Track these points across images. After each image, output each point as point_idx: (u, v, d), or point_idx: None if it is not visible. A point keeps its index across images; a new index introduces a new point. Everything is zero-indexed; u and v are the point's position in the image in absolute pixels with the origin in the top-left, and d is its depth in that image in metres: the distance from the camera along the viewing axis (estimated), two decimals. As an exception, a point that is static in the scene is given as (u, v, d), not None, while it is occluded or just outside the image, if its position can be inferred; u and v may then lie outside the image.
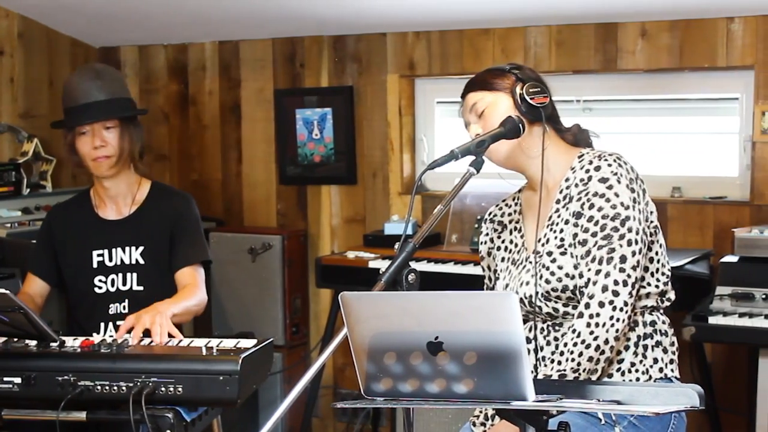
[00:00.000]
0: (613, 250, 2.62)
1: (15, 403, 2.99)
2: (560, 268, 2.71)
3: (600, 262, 2.63)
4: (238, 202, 5.60)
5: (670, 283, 2.83)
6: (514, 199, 3.00)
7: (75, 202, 3.74)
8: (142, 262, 3.58)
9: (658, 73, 4.52)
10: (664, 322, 2.81)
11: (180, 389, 2.85)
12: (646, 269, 2.74)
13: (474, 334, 1.93)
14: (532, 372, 2.72)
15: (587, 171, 2.73)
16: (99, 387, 2.89)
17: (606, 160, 2.72)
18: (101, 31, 5.59)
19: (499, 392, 1.94)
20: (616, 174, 2.69)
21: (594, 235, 2.65)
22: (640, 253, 2.64)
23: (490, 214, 3.04)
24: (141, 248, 3.58)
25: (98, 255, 3.58)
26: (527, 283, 2.78)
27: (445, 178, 4.93)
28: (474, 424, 2.85)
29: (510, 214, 2.98)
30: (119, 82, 3.62)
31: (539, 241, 2.79)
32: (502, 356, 1.91)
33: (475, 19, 4.73)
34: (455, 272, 4.35)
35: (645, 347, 2.74)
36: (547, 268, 2.73)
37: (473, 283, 4.08)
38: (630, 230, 2.64)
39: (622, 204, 2.66)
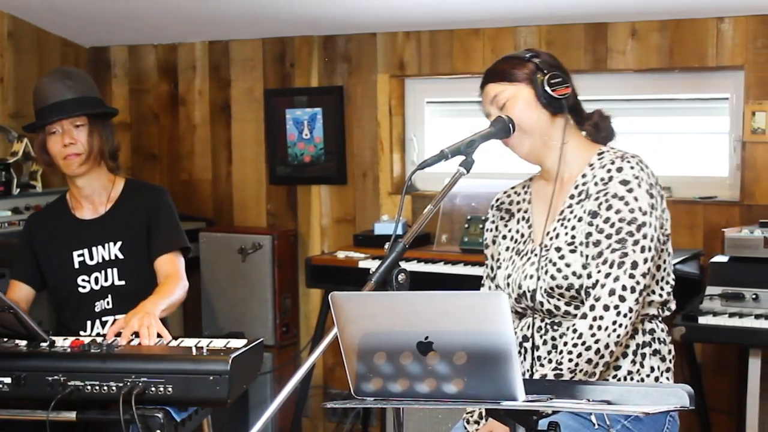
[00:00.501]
0: (625, 254, 2.60)
1: (5, 403, 2.98)
2: (568, 265, 2.69)
3: (611, 266, 2.61)
4: (228, 202, 5.59)
5: (672, 293, 2.80)
6: (524, 187, 2.96)
7: (52, 206, 3.78)
8: (121, 256, 3.58)
9: (648, 73, 4.53)
10: (663, 330, 2.79)
11: (170, 389, 2.85)
12: (652, 277, 2.71)
13: (464, 334, 1.93)
14: (527, 371, 2.73)
15: (608, 171, 2.71)
16: (89, 387, 2.88)
17: (629, 162, 2.70)
18: (91, 31, 5.58)
19: (489, 392, 1.93)
20: (637, 178, 2.67)
21: (608, 237, 2.63)
22: (651, 260, 2.62)
23: (497, 200, 3.00)
24: (119, 243, 3.59)
25: (79, 255, 3.59)
26: (531, 277, 2.75)
27: (435, 178, 4.92)
28: (467, 422, 2.84)
29: (519, 203, 2.94)
30: (87, 82, 3.65)
31: (548, 234, 2.77)
32: (492, 356, 1.91)
33: (465, 20, 4.73)
34: (445, 272, 4.34)
35: (643, 356, 2.72)
36: (554, 264, 2.70)
37: (463, 283, 4.09)
38: (645, 237, 2.61)
39: (640, 209, 2.64)
